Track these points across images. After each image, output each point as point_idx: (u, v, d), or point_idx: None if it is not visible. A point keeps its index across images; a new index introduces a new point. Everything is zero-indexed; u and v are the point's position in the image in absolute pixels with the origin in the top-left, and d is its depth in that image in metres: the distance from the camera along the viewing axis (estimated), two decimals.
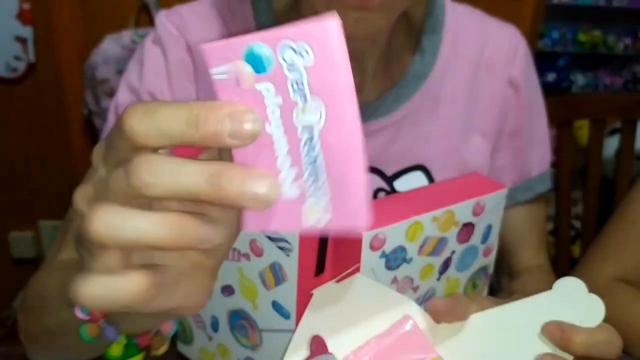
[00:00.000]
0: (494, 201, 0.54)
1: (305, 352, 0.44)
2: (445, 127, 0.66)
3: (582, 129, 1.23)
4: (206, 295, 0.34)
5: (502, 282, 0.79)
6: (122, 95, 0.65)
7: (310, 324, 0.44)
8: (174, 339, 0.62)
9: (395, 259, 0.49)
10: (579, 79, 1.46)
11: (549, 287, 0.56)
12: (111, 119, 0.66)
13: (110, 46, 1.32)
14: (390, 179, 0.65)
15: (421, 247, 0.50)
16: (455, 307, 0.47)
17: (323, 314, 0.44)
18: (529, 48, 0.82)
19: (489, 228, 0.56)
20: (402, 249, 0.49)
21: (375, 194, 0.64)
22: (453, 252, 0.54)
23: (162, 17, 0.65)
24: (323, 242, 0.46)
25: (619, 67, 1.47)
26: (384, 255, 0.48)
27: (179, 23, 0.64)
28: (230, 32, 0.65)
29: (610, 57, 1.46)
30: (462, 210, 0.52)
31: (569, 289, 0.42)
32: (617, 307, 0.69)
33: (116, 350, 0.40)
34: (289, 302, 0.47)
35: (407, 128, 0.65)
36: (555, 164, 1.21)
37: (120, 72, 1.33)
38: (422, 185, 0.64)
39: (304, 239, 0.44)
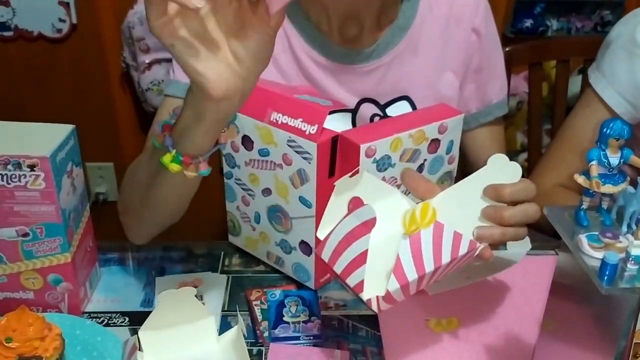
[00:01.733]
0: (454, 123, 0.74)
1: (332, 226, 0.58)
2: (424, 67, 0.86)
3: (554, 68, 1.41)
4: (223, 86, 0.51)
5: None
6: None
7: (335, 203, 0.60)
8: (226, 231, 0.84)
9: (383, 164, 0.68)
10: (554, 24, 1.61)
11: None
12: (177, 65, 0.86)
13: (144, 8, 1.49)
14: (383, 107, 0.86)
15: (401, 155, 0.70)
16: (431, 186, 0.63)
17: (343, 197, 0.61)
18: None
19: (452, 143, 0.76)
20: (387, 157, 0.68)
21: (371, 119, 0.86)
22: (425, 160, 0.73)
23: None
24: (333, 153, 0.67)
25: (589, 12, 1.62)
26: (375, 161, 0.67)
27: None
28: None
29: (581, 4, 1.60)
30: (431, 130, 0.71)
31: (497, 162, 0.60)
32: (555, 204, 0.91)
33: (167, 158, 0.59)
34: (311, 195, 0.68)
35: (394, 68, 0.85)
36: (527, 100, 1.41)
37: None
38: (406, 111, 0.86)
39: (320, 151, 0.64)
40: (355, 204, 0.59)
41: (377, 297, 0.53)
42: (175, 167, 0.59)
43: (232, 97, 0.54)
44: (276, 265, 0.79)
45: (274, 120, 0.67)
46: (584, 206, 0.51)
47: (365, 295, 0.53)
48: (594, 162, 0.48)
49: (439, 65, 0.87)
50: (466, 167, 0.98)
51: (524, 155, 1.60)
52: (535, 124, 1.40)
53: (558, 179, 0.98)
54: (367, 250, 0.53)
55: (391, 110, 0.86)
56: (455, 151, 0.77)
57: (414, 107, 0.87)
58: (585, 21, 1.61)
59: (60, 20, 1.59)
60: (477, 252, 0.57)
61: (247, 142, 0.72)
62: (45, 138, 0.68)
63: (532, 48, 1.36)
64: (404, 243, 0.53)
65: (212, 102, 0.53)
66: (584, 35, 1.58)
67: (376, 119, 0.86)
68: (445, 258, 0.53)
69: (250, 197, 0.76)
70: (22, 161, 0.64)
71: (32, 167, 0.64)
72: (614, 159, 0.48)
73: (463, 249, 0.53)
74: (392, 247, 0.55)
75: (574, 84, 1.44)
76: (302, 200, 0.69)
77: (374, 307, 0.53)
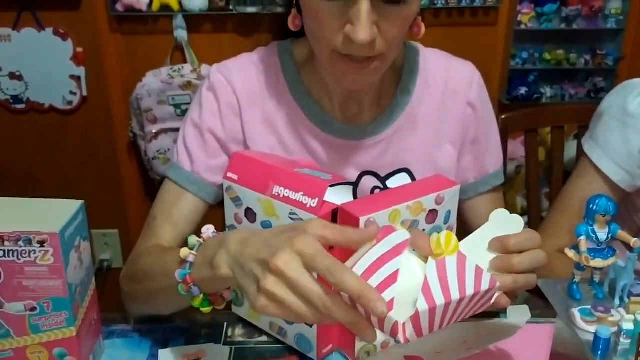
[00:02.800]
0: (451, 194, 0.74)
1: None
2: (422, 140, 0.89)
3: (550, 134, 1.45)
4: None
5: None
6: (189, 130, 0.89)
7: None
8: (230, 302, 0.86)
9: None
10: (548, 91, 1.67)
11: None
12: (182, 149, 0.88)
13: (151, 81, 1.56)
14: (383, 179, 0.89)
15: (400, 226, 0.69)
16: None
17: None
18: (504, 65, 1.06)
19: (449, 213, 0.76)
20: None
21: (372, 191, 0.89)
22: (423, 230, 0.72)
23: (214, 70, 0.88)
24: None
25: (582, 79, 1.68)
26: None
27: (227, 73, 0.87)
28: (261, 77, 0.88)
29: (573, 71, 1.67)
30: (428, 201, 0.71)
31: (499, 217, 0.62)
32: (554, 271, 0.93)
33: (197, 302, 0.65)
34: None
35: (394, 142, 0.88)
36: (525, 166, 1.44)
37: (160, 102, 1.57)
38: (406, 182, 0.87)
39: None
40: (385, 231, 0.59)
41: (405, 323, 0.51)
42: (206, 309, 0.65)
43: None
44: (279, 335, 0.79)
45: (276, 194, 0.68)
46: (577, 279, 0.52)
47: (395, 316, 0.51)
48: (582, 238, 0.50)
49: (436, 138, 0.90)
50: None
51: (524, 219, 1.62)
52: (533, 188, 1.42)
53: (557, 245, 0.99)
54: (396, 271, 0.52)
55: (391, 182, 0.88)
56: (453, 221, 0.78)
57: (413, 178, 0.89)
58: (579, 88, 1.66)
59: (71, 93, 1.66)
60: (494, 297, 0.56)
61: (250, 214, 0.73)
62: (54, 214, 0.70)
63: (527, 115, 1.40)
64: (431, 265, 0.52)
65: None
66: (578, 102, 1.63)
67: (376, 191, 0.88)
68: (469, 289, 0.51)
69: None
70: (32, 237, 0.66)
71: (42, 243, 0.66)
72: (602, 234, 0.50)
73: (485, 284, 0.52)
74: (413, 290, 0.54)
75: (570, 149, 1.48)
76: None
77: (401, 335, 0.51)
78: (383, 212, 0.67)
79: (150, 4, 1.55)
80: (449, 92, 0.90)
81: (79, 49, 1.61)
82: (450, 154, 0.92)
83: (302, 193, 0.66)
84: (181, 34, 1.60)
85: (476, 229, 1.01)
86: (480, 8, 1.59)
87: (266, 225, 0.71)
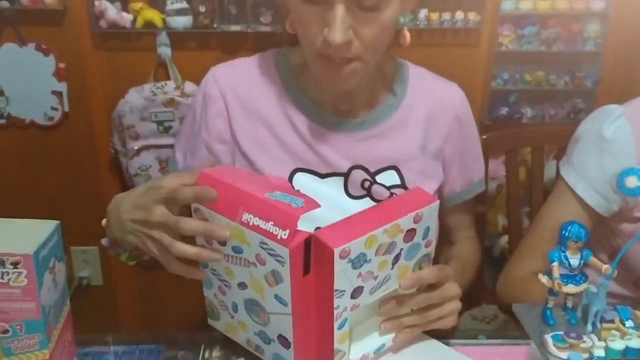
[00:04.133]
0: (429, 211, 0.73)
1: None
2: (411, 143, 0.94)
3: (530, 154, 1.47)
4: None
5: (443, 249, 1.07)
6: (184, 126, 0.99)
7: None
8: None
9: (358, 261, 0.67)
10: (528, 112, 1.69)
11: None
12: (178, 155, 0.97)
13: (134, 97, 1.56)
14: (373, 174, 0.92)
15: (377, 250, 0.69)
16: (441, 273, 0.76)
17: None
18: (486, 86, 1.10)
19: (428, 229, 0.74)
20: (363, 255, 0.67)
21: (362, 183, 0.91)
22: (401, 249, 0.72)
23: (211, 69, 0.96)
24: (307, 251, 0.66)
25: (561, 100, 1.71)
26: (350, 260, 0.66)
27: (222, 70, 0.94)
28: (256, 76, 0.94)
29: (553, 93, 1.69)
30: (405, 222, 0.70)
31: None
32: (531, 293, 0.93)
33: (124, 257, 0.82)
34: (286, 295, 0.67)
35: (384, 140, 0.93)
36: (506, 185, 1.46)
37: (142, 119, 1.57)
38: (394, 181, 0.91)
39: (293, 255, 0.64)
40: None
41: None
42: (132, 262, 0.80)
43: None
44: (256, 352, 0.79)
45: (246, 221, 0.66)
46: (550, 305, 0.53)
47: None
48: (555, 264, 0.51)
49: (423, 144, 0.96)
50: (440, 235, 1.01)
51: (505, 238, 1.63)
52: (514, 207, 1.44)
53: (534, 267, 1.00)
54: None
55: (380, 178, 0.92)
56: (432, 235, 0.77)
57: (401, 177, 0.93)
58: (558, 109, 1.68)
59: (53, 108, 1.64)
60: None
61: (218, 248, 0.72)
62: (29, 234, 0.69)
63: (507, 136, 1.42)
64: None
65: None
66: (558, 122, 1.66)
67: (366, 183, 0.91)
68: None
69: (226, 288, 0.76)
70: (6, 259, 0.65)
71: (15, 265, 0.65)
72: (574, 260, 0.51)
73: None
74: None
75: (550, 169, 1.49)
76: (278, 298, 0.69)
77: None
78: (358, 241, 0.66)
79: (134, 21, 1.55)
80: (438, 107, 0.96)
81: (61, 65, 1.60)
82: (434, 163, 0.96)
83: (272, 223, 0.64)
84: (165, 51, 1.59)
85: (449, 227, 1.08)
86: (462, 29, 1.61)
87: (237, 249, 0.70)
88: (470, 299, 1.49)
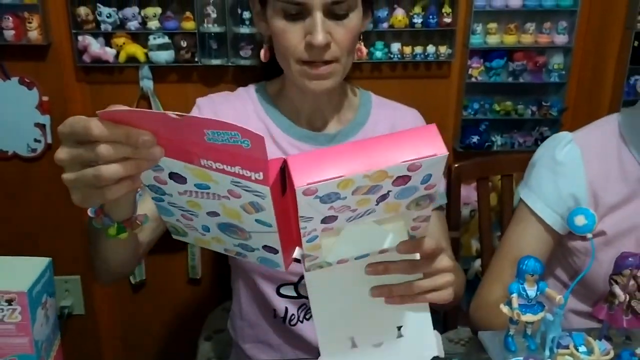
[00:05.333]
0: (432, 163, 0.56)
1: None
2: None
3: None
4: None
5: None
6: None
7: None
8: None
9: (329, 198, 0.57)
10: (498, 140, 1.76)
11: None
12: None
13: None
14: None
15: (354, 191, 0.58)
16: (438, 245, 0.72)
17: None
18: (457, 115, 1.19)
19: (429, 176, 0.59)
20: (335, 194, 0.57)
21: None
22: (389, 191, 0.59)
23: (199, 101, 1.06)
24: (283, 177, 0.58)
25: (529, 128, 1.78)
26: (317, 197, 0.57)
27: (209, 99, 1.05)
28: (238, 104, 1.04)
29: (521, 121, 1.77)
30: (396, 169, 0.56)
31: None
32: (498, 317, 0.98)
33: (112, 231, 0.70)
34: (269, 218, 0.60)
35: None
36: (478, 212, 1.52)
37: None
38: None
39: (274, 188, 0.56)
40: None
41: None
42: (123, 235, 0.70)
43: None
44: (237, 257, 0.73)
45: (207, 165, 0.57)
46: (511, 332, 0.58)
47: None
48: (514, 295, 0.56)
49: None
50: None
51: (479, 261, 1.69)
52: (486, 232, 1.50)
53: (500, 291, 1.06)
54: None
55: None
56: (436, 180, 0.61)
57: None
58: (527, 137, 1.76)
59: (36, 140, 1.66)
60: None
61: (177, 178, 0.61)
62: (22, 271, 0.72)
63: (478, 165, 1.49)
64: None
65: None
66: (526, 150, 1.73)
67: None
68: None
69: (192, 216, 0.67)
70: (0, 296, 0.68)
71: (10, 302, 0.68)
72: (532, 291, 0.56)
73: None
74: None
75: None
76: (259, 222, 0.62)
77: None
78: (329, 182, 0.56)
79: (116, 56, 1.59)
80: (399, 125, 1.08)
81: (45, 98, 1.63)
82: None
83: (239, 167, 0.56)
84: (147, 84, 1.64)
85: None
86: (433, 62, 1.69)
87: (203, 186, 0.61)
88: (445, 321, 1.55)
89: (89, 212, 0.71)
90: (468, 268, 1.79)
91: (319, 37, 0.86)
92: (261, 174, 0.55)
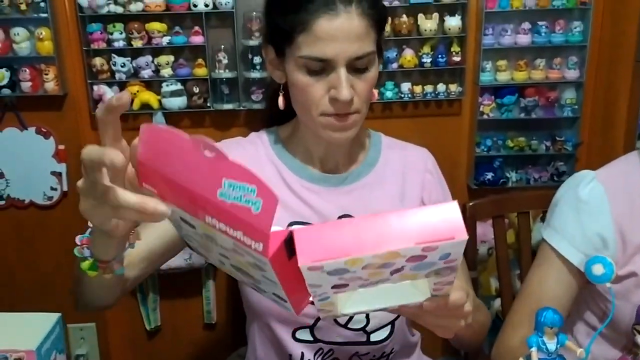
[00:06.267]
0: (448, 245, 0.53)
1: None
2: (389, 193, 1.06)
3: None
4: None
5: None
6: None
7: None
8: None
9: (337, 272, 0.55)
10: (513, 176, 1.74)
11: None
12: None
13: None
14: None
15: (364, 267, 0.54)
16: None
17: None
18: (470, 152, 1.18)
19: (447, 254, 0.55)
20: (343, 269, 0.54)
21: None
22: (404, 266, 0.55)
23: None
24: (289, 245, 0.54)
25: (544, 163, 1.77)
26: (324, 271, 0.54)
27: (220, 145, 1.01)
28: (251, 149, 1.05)
29: (536, 157, 1.75)
30: (409, 251, 0.52)
31: None
32: None
33: (85, 265, 0.71)
34: (273, 278, 0.56)
35: (366, 192, 1.05)
36: (495, 251, 1.49)
37: None
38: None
39: (274, 260, 0.53)
40: None
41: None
42: (92, 273, 0.71)
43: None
44: (252, 288, 0.68)
45: (211, 224, 0.55)
46: None
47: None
48: (533, 349, 0.54)
49: (401, 196, 1.07)
50: None
51: (498, 300, 1.65)
52: (504, 271, 1.47)
53: (523, 335, 1.02)
54: None
55: None
56: (455, 256, 0.56)
57: None
58: (542, 172, 1.74)
59: (52, 188, 1.68)
60: None
61: (187, 223, 0.59)
62: (31, 328, 0.72)
63: (493, 202, 1.47)
64: None
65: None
66: (542, 185, 1.71)
67: None
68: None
69: (208, 251, 0.65)
70: (9, 355, 0.68)
71: None
72: (551, 344, 0.54)
73: None
74: None
75: (537, 231, 1.53)
76: (266, 277, 0.60)
77: None
78: (336, 261, 0.53)
79: (131, 103, 1.62)
80: (409, 164, 1.09)
81: (61, 147, 1.66)
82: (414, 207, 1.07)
83: (241, 232, 0.53)
84: None
85: None
86: (444, 100, 1.69)
87: (210, 238, 0.59)
88: None
89: (76, 240, 0.74)
90: (488, 308, 1.75)
91: (345, 93, 0.87)
92: (261, 244, 0.52)
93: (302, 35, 0.87)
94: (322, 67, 0.88)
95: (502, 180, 1.72)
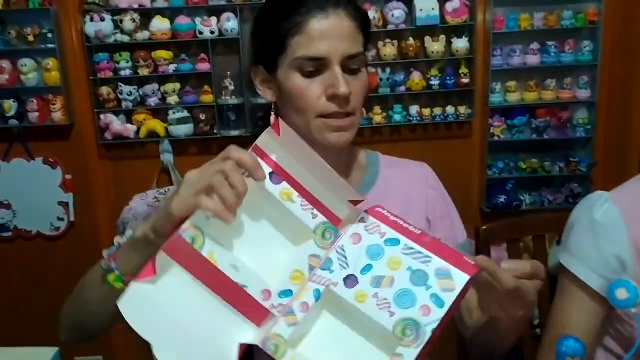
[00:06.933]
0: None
1: None
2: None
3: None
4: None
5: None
6: None
7: None
8: None
9: None
10: (527, 198, 1.71)
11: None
12: None
13: (138, 204, 1.58)
14: None
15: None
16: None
17: None
18: (482, 175, 1.14)
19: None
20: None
21: None
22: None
23: None
24: None
25: (559, 185, 1.73)
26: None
27: None
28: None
29: (550, 179, 1.72)
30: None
31: None
32: None
33: (112, 277, 0.71)
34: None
35: None
36: None
37: None
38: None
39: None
40: None
41: None
42: (119, 284, 0.71)
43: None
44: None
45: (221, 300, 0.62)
46: None
47: None
48: None
49: (404, 213, 1.02)
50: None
51: None
52: None
53: None
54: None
55: None
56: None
57: None
58: (557, 194, 1.70)
59: (59, 219, 1.67)
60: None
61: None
62: None
63: (507, 226, 1.42)
64: None
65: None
66: (557, 207, 1.67)
67: None
68: None
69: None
70: None
71: None
72: None
73: None
74: None
75: (554, 255, 1.48)
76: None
77: None
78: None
79: (137, 132, 1.61)
80: (411, 181, 1.05)
81: (68, 176, 1.65)
82: (418, 222, 1.02)
83: (245, 316, 0.61)
84: (168, 157, 1.64)
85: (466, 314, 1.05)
86: (454, 122, 1.67)
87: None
88: None
89: (105, 252, 0.76)
90: None
91: (344, 88, 0.88)
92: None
93: (297, 37, 0.89)
94: (317, 67, 0.88)
95: (515, 203, 1.68)
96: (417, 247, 0.61)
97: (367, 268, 0.62)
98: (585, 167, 1.66)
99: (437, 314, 0.57)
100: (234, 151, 0.67)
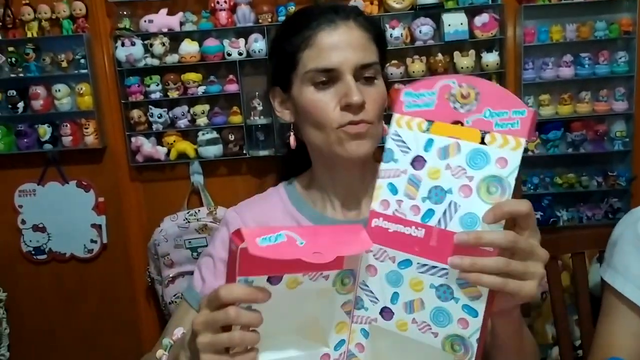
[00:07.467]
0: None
1: None
2: None
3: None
4: None
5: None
6: (204, 258, 0.97)
7: None
8: None
9: None
10: (564, 215, 1.65)
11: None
12: (196, 275, 0.96)
13: (169, 225, 1.59)
14: None
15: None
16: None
17: None
18: (516, 192, 1.10)
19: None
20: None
21: None
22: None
23: (229, 209, 0.99)
24: None
25: (597, 200, 1.67)
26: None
27: (238, 209, 0.98)
28: (268, 207, 0.98)
29: (588, 194, 1.66)
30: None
31: None
32: None
33: None
34: None
35: None
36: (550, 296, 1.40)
37: (177, 246, 1.60)
38: None
39: None
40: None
41: None
42: None
43: None
44: None
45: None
46: None
47: None
48: None
49: None
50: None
51: (556, 349, 1.54)
52: (561, 316, 1.36)
53: None
54: None
55: None
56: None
57: None
58: (595, 210, 1.65)
59: (92, 241, 1.70)
60: None
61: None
62: None
63: (544, 243, 1.35)
64: None
65: None
66: (596, 224, 1.61)
67: None
68: None
69: None
70: None
71: None
72: None
73: None
74: None
75: (594, 273, 1.43)
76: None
77: None
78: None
79: (168, 153, 1.63)
80: None
81: (101, 199, 1.68)
82: None
83: None
84: (197, 178, 1.65)
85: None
86: None
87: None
88: None
89: (171, 329, 0.77)
90: (545, 357, 1.63)
91: (356, 96, 0.86)
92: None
93: (307, 51, 0.88)
94: (329, 78, 0.87)
95: (552, 219, 1.63)
96: (430, 262, 0.60)
97: (395, 297, 0.62)
98: (624, 181, 1.61)
99: (475, 324, 0.58)
100: (224, 295, 0.60)
